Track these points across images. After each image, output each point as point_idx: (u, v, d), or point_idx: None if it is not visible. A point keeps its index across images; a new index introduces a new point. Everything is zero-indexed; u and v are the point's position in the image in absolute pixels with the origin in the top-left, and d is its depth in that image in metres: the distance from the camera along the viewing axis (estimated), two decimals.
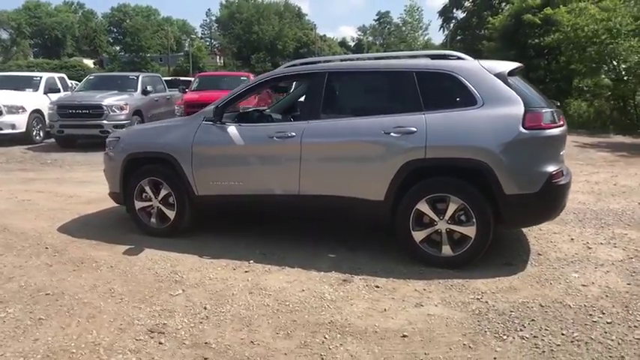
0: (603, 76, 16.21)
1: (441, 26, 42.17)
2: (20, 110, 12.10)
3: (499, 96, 3.90)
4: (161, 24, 79.23)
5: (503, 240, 4.51)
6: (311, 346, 2.92)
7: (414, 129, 3.94)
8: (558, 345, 2.87)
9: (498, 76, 3.97)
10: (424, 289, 3.63)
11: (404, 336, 3.00)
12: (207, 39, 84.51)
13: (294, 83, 8.79)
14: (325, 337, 3.00)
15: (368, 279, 3.82)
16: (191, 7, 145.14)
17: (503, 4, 30.21)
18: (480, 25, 32.51)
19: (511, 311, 3.28)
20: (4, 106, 11.85)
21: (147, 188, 4.85)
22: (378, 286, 3.69)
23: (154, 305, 3.44)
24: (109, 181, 5.22)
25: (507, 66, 4.11)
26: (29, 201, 6.42)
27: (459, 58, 4.31)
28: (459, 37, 38.65)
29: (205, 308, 3.38)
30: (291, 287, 3.71)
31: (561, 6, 17.24)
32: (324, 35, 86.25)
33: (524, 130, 3.77)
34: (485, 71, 4.00)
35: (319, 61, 4.84)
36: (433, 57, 4.52)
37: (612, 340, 2.92)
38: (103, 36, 78.82)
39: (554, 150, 3.95)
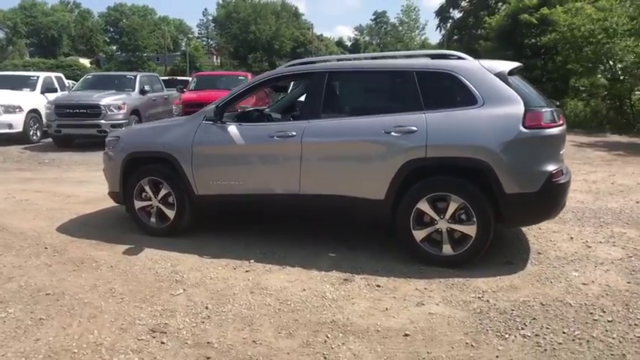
0: (599, 75, 16.30)
1: (438, 26, 42.36)
2: (17, 110, 12.06)
3: (499, 95, 3.91)
4: (158, 23, 79.03)
5: (503, 239, 4.52)
6: (313, 345, 2.92)
7: (415, 128, 3.94)
8: (560, 343, 2.88)
9: (498, 75, 3.98)
10: (425, 288, 3.64)
11: (406, 335, 3.01)
12: (204, 38, 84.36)
13: (292, 83, 8.81)
14: (327, 337, 3.00)
15: (369, 278, 3.82)
16: (188, 7, 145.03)
17: (500, 3, 30.27)
18: (477, 25, 32.65)
19: (512, 310, 3.29)
20: (1, 105, 11.81)
21: (146, 188, 4.84)
22: (379, 285, 3.70)
23: (155, 305, 3.43)
24: (108, 181, 5.21)
25: (507, 65, 4.12)
26: (27, 201, 6.40)
27: (459, 57, 4.32)
28: (455, 37, 38.78)
29: (207, 308, 3.38)
30: (292, 287, 3.71)
31: (558, 6, 17.29)
32: (321, 35, 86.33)
33: (524, 130, 3.78)
34: (485, 71, 4.01)
35: (319, 61, 4.84)
36: (433, 57, 4.53)
37: (613, 338, 2.93)
38: (100, 35, 78.55)
39: (554, 149, 3.97)
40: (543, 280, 3.77)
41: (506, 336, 2.98)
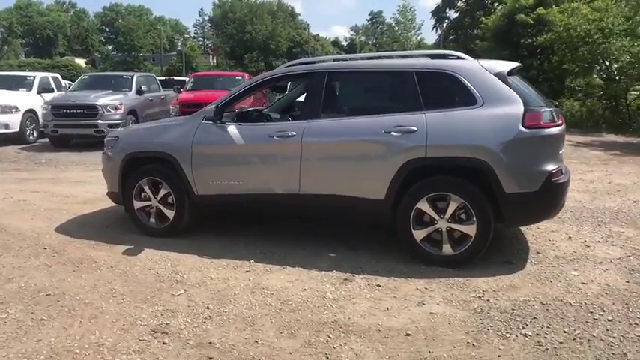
0: (595, 75, 16.34)
1: (434, 26, 42.44)
2: (14, 110, 12.00)
3: (499, 95, 3.92)
4: (153, 23, 78.88)
5: (502, 238, 4.53)
6: (315, 345, 2.93)
7: (415, 128, 3.95)
8: (561, 342, 2.90)
9: (498, 75, 4.00)
10: (425, 288, 3.65)
11: (407, 334, 3.02)
12: (200, 38, 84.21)
13: (289, 84, 8.80)
14: (329, 336, 3.01)
15: (369, 278, 3.83)
16: (184, 7, 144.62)
17: (496, 4, 30.38)
18: (473, 25, 32.72)
19: (513, 309, 3.30)
20: None
21: (146, 188, 4.83)
22: (379, 285, 3.71)
23: (156, 305, 3.43)
24: (107, 181, 5.20)
25: (507, 65, 4.14)
26: (25, 201, 6.38)
27: (458, 57, 4.33)
28: (451, 37, 38.90)
29: (208, 308, 3.38)
30: (293, 286, 3.72)
31: (554, 6, 17.35)
32: (317, 35, 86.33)
33: (524, 129, 3.79)
34: (485, 71, 4.03)
35: (319, 61, 4.85)
36: (433, 57, 4.54)
37: (614, 337, 2.95)
38: (95, 35, 78.36)
39: (554, 149, 3.99)
40: (543, 279, 3.79)
41: (508, 335, 2.99)
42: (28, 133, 12.43)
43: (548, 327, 3.07)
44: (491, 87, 3.95)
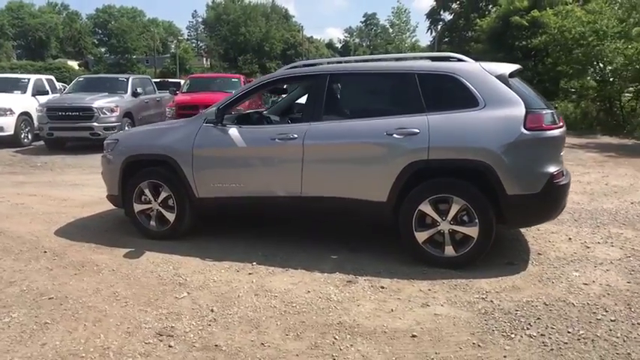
0: (589, 77, 16.46)
1: (429, 28, 42.49)
2: (8, 112, 11.92)
3: (500, 97, 3.94)
4: (147, 25, 78.68)
5: (503, 240, 4.55)
6: (322, 347, 2.93)
7: (417, 130, 3.97)
8: (565, 343, 2.92)
9: (499, 77, 4.02)
10: (429, 290, 3.66)
11: (413, 336, 3.02)
12: (194, 40, 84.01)
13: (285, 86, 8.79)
14: (335, 338, 3.01)
15: (372, 280, 3.84)
16: (177, 9, 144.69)
17: (490, 6, 30.49)
18: (467, 27, 32.87)
19: (516, 310, 3.32)
20: None
21: (146, 191, 4.81)
22: (383, 287, 3.71)
23: (160, 308, 3.42)
24: (107, 184, 5.17)
25: (508, 68, 4.17)
26: (22, 204, 6.33)
27: (459, 60, 4.34)
28: (446, 39, 39.02)
29: (212, 310, 3.37)
30: (297, 289, 3.72)
31: (548, 8, 17.46)
32: (311, 37, 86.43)
33: (525, 131, 3.82)
34: (486, 73, 4.05)
35: (320, 63, 4.85)
36: (434, 59, 4.56)
37: (617, 337, 2.97)
38: (88, 37, 78.07)
39: (555, 151, 4.01)
40: (545, 280, 3.81)
41: (512, 336, 3.00)
42: (22, 136, 12.36)
43: (552, 327, 3.08)
44: (492, 89, 3.97)
